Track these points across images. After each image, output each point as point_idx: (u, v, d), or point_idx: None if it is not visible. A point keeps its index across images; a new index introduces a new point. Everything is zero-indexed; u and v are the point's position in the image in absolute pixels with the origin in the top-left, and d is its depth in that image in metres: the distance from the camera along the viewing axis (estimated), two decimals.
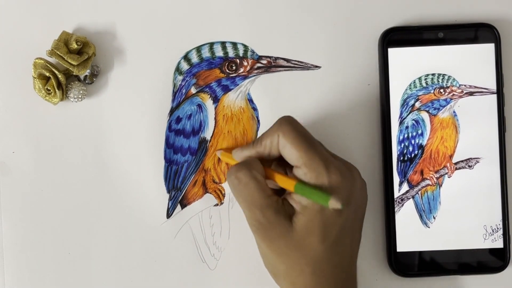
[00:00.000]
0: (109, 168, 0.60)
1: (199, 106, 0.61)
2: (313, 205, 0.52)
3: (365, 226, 0.58)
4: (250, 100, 0.61)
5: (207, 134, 0.61)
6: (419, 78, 0.60)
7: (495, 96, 0.60)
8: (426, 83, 0.60)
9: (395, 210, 0.60)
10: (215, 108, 0.61)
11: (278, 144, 0.53)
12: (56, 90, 0.59)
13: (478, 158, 0.60)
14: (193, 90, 0.61)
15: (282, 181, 0.54)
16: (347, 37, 0.61)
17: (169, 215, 0.61)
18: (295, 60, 0.61)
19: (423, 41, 0.60)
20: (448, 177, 0.60)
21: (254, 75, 0.61)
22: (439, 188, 0.60)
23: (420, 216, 0.60)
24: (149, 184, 0.60)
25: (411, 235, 0.60)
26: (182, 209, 0.61)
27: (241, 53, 0.61)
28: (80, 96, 0.59)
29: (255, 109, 0.61)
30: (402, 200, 0.60)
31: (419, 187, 0.60)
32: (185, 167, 0.61)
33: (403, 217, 0.60)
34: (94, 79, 0.60)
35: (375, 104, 0.61)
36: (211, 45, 0.61)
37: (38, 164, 0.60)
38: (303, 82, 0.61)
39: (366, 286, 0.60)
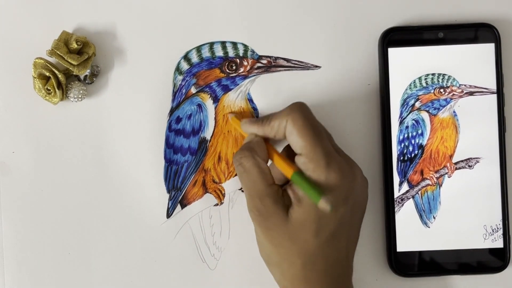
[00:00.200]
0: (109, 168, 0.60)
1: (199, 106, 0.61)
2: (310, 198, 0.52)
3: (365, 226, 0.58)
4: (250, 100, 0.61)
5: (207, 134, 0.61)
6: (419, 78, 0.60)
7: (495, 96, 0.60)
8: (426, 83, 0.60)
9: (395, 210, 0.60)
10: (215, 108, 0.61)
11: (285, 129, 0.53)
12: (56, 90, 0.59)
13: (478, 158, 0.60)
14: (193, 90, 0.61)
15: (281, 165, 0.54)
16: (347, 37, 0.61)
17: (169, 215, 0.61)
18: (295, 60, 0.61)
19: (423, 41, 0.60)
20: (448, 177, 0.60)
21: (254, 75, 0.61)
22: (439, 188, 0.60)
23: (420, 216, 0.60)
24: (149, 184, 0.60)
25: (411, 235, 0.60)
26: (182, 209, 0.61)
27: (241, 53, 0.61)
28: (80, 96, 0.59)
29: (255, 109, 0.61)
30: (402, 200, 0.60)
31: (419, 187, 0.60)
32: (185, 167, 0.61)
33: (403, 217, 0.60)
34: (94, 79, 0.60)
35: (375, 104, 0.61)
36: (211, 45, 0.61)
37: (38, 164, 0.60)
38: (303, 82, 0.61)
39: (366, 286, 0.60)
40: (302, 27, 0.61)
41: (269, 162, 0.56)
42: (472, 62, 0.60)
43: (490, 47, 0.60)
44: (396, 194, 0.60)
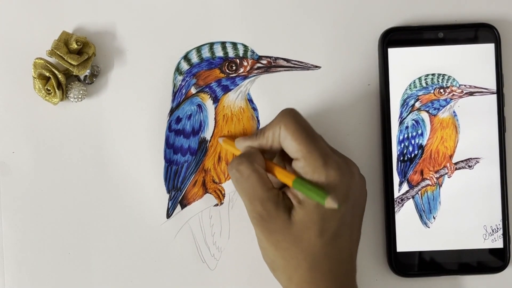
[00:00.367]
0: (109, 168, 0.60)
1: (199, 106, 0.61)
2: (310, 199, 0.52)
3: (365, 226, 0.58)
4: (250, 100, 0.61)
5: (207, 134, 0.61)
6: (419, 78, 0.60)
7: (495, 96, 0.60)
8: (426, 83, 0.60)
9: (395, 210, 0.60)
10: (215, 108, 0.61)
11: (279, 136, 0.53)
12: (56, 90, 0.59)
13: (478, 158, 0.60)
14: (193, 90, 0.61)
15: (281, 175, 0.54)
16: (347, 37, 0.61)
17: (169, 215, 0.61)
18: (295, 60, 0.61)
19: (423, 41, 0.60)
20: (448, 177, 0.60)
21: (254, 75, 0.61)
22: (439, 188, 0.60)
23: (420, 216, 0.60)
24: (149, 184, 0.60)
25: (411, 235, 0.60)
26: (182, 209, 0.61)
27: (241, 53, 0.61)
28: (80, 96, 0.59)
29: (255, 109, 0.61)
30: (402, 200, 0.60)
31: (419, 187, 0.60)
32: (185, 167, 0.61)
33: (403, 217, 0.60)
34: (94, 79, 0.60)
35: (375, 104, 0.61)
36: (211, 45, 0.61)
37: (38, 164, 0.60)
38: (303, 82, 0.61)
39: (366, 286, 0.60)
40: (302, 27, 0.61)
41: None
42: (472, 62, 0.60)
43: (490, 47, 0.60)
44: (396, 194, 0.60)
